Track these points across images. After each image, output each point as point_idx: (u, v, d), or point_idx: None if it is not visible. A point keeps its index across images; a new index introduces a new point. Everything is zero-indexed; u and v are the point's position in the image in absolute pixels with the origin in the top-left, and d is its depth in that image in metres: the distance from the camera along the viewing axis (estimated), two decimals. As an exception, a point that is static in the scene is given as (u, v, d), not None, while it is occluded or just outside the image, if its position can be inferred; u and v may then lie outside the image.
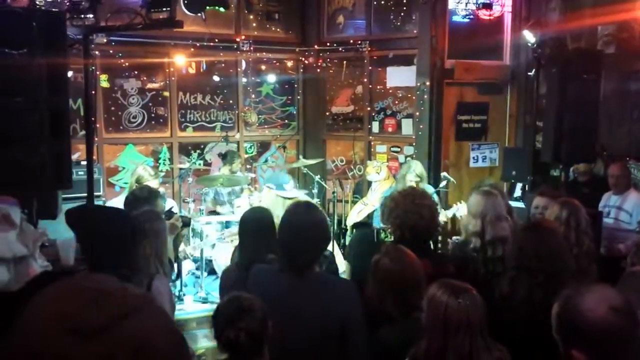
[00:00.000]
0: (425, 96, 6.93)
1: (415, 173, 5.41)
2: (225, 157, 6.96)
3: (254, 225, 3.33)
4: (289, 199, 4.49)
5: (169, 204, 4.88)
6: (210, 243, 5.87)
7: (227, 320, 2.12)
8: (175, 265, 4.95)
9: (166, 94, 7.68)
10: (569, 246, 3.31)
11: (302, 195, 4.79)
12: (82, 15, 3.81)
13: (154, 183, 4.55)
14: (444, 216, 5.21)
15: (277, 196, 4.53)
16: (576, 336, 1.67)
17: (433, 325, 2.24)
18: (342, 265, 4.47)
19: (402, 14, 7.67)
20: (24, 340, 1.86)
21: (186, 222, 4.07)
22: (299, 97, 8.43)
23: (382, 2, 7.67)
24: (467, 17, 6.96)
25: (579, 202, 3.49)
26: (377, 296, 2.63)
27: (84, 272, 1.97)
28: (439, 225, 3.49)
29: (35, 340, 1.85)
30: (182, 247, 5.03)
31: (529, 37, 5.52)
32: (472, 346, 2.18)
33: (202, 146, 7.92)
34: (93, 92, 6.33)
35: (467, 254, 3.40)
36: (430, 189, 5.62)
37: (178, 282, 4.89)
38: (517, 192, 6.38)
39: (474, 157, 7.27)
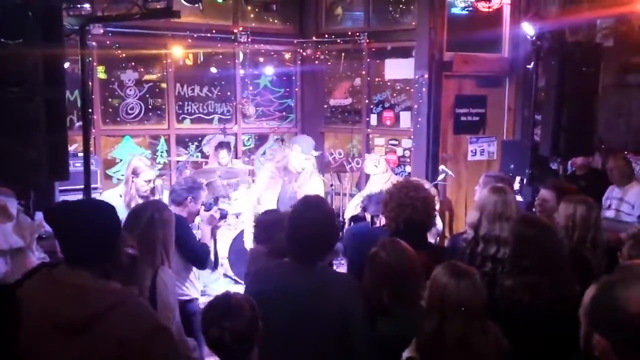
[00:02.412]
0: (424, 89, 6.91)
1: None
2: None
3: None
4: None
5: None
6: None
7: (213, 318, 2.08)
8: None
9: (163, 85, 7.65)
10: (591, 246, 3.35)
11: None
12: (79, 5, 3.78)
13: (150, 174, 4.54)
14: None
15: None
16: (606, 323, 1.65)
17: (431, 304, 2.27)
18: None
19: (400, 5, 7.65)
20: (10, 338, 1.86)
21: (223, 215, 4.19)
22: (297, 89, 8.40)
23: (381, -6, 7.65)
24: (466, 9, 6.93)
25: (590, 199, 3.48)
26: (373, 289, 2.62)
27: (64, 267, 1.94)
28: (434, 218, 3.46)
29: (22, 335, 1.85)
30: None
31: (528, 29, 5.49)
32: (466, 328, 2.20)
33: (199, 138, 7.91)
34: (90, 83, 6.29)
35: (457, 244, 3.38)
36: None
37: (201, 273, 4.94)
38: (515, 186, 6.36)
39: (472, 151, 7.26)
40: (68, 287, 1.89)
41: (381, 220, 3.42)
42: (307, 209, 2.62)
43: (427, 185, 5.63)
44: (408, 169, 7.49)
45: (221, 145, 7.15)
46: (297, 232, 2.55)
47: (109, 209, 2.08)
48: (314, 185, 4.79)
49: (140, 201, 4.15)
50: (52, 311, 1.86)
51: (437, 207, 5.84)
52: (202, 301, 5.36)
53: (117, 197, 4.48)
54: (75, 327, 1.83)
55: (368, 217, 3.96)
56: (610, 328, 1.63)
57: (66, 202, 2.13)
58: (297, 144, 4.90)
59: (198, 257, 3.76)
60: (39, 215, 3.43)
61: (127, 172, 4.54)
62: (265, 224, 3.45)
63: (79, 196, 4.32)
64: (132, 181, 4.45)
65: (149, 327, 1.92)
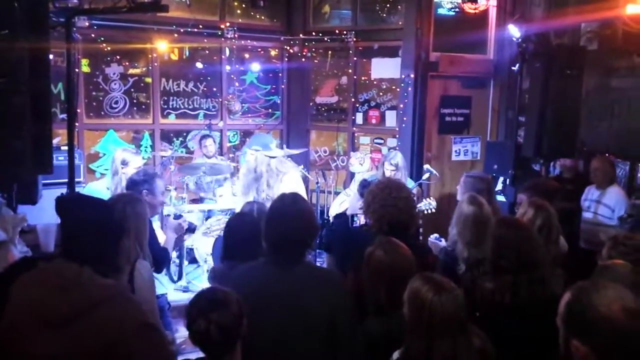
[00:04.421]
0: (410, 88, 6.95)
1: (391, 162, 5.44)
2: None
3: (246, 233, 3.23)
4: (273, 157, 4.55)
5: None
6: (196, 236, 5.86)
7: (200, 311, 2.06)
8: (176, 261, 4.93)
9: (148, 80, 7.59)
10: None
11: (284, 153, 4.96)
12: (65, -3, 3.74)
13: (138, 161, 4.53)
14: None
15: (264, 156, 4.53)
16: (582, 328, 1.67)
17: (417, 324, 2.22)
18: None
19: (387, 5, 7.67)
20: (3, 322, 1.86)
21: (191, 228, 4.12)
22: (283, 86, 8.39)
23: (368, -7, 7.67)
24: (453, 10, 6.97)
25: (551, 207, 3.48)
26: (370, 288, 2.62)
27: (58, 260, 1.94)
28: (416, 216, 3.48)
29: (9, 324, 1.85)
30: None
31: (514, 31, 5.55)
32: (455, 344, 2.18)
33: (184, 133, 7.87)
34: (74, 76, 6.22)
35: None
36: (410, 183, 5.65)
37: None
38: (499, 186, 6.43)
39: (456, 151, 7.32)
40: (57, 279, 1.88)
41: (360, 219, 3.44)
42: (283, 206, 2.60)
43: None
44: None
45: (205, 136, 7.12)
46: (276, 230, 2.54)
47: (118, 213, 2.09)
48: (288, 184, 4.58)
49: None
50: (38, 303, 1.85)
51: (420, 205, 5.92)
52: (184, 297, 5.38)
53: (104, 190, 4.45)
54: (60, 319, 1.82)
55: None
56: (586, 333, 1.66)
57: (80, 195, 2.13)
58: (249, 147, 4.76)
59: (156, 259, 3.53)
60: (22, 209, 3.40)
61: (114, 164, 4.51)
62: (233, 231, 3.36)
63: (63, 190, 4.27)
64: (122, 172, 4.43)
65: (137, 323, 1.90)
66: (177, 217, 3.95)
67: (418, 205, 5.28)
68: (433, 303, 2.17)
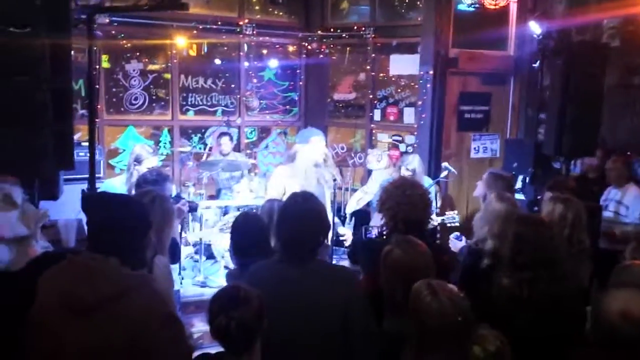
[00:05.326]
0: (428, 85, 6.90)
1: (407, 167, 5.40)
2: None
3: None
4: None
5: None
6: (213, 231, 5.91)
7: (221, 307, 2.09)
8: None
9: (167, 76, 7.64)
10: (568, 245, 3.35)
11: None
12: (87, -5, 3.77)
13: (153, 161, 4.54)
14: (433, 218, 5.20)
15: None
16: (593, 324, 1.78)
17: (416, 327, 2.21)
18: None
19: (406, 1, 7.62)
20: (31, 311, 1.90)
21: (193, 207, 4.08)
22: (301, 82, 8.39)
23: (387, -11, 7.63)
24: (473, 5, 6.91)
25: (577, 199, 3.48)
26: (387, 286, 2.61)
27: (86, 253, 1.98)
28: (431, 214, 3.46)
29: (36, 312, 1.89)
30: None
31: (535, 28, 5.49)
32: (454, 353, 2.13)
33: (203, 130, 7.91)
34: (95, 73, 6.28)
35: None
36: (427, 182, 5.61)
37: (176, 266, 4.91)
38: (518, 184, 6.37)
39: (475, 148, 7.25)
40: (84, 268, 1.92)
41: (374, 231, 3.42)
42: (295, 204, 2.62)
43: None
44: (410, 165, 7.47)
45: (223, 133, 7.15)
46: (288, 229, 2.55)
47: (144, 208, 2.16)
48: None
49: None
50: (66, 292, 1.88)
51: (439, 203, 5.89)
52: (201, 292, 5.42)
53: (120, 185, 4.49)
54: (85, 307, 1.85)
55: (372, 214, 3.96)
56: (595, 328, 1.77)
57: (105, 192, 2.19)
58: (315, 136, 4.88)
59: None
60: (44, 205, 3.44)
61: (129, 159, 4.55)
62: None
63: (83, 186, 4.33)
64: (135, 169, 4.46)
65: (161, 314, 1.94)
66: (177, 199, 3.85)
67: (441, 218, 5.26)
68: (429, 306, 2.16)
